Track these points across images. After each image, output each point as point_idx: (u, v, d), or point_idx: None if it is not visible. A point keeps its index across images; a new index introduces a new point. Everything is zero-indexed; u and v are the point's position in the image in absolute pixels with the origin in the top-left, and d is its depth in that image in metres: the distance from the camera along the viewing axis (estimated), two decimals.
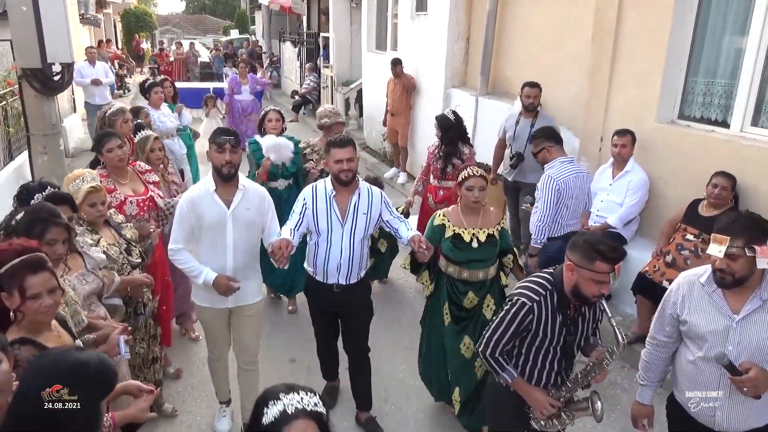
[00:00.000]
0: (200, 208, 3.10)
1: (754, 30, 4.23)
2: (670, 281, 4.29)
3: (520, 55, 6.60)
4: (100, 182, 3.21)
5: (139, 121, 5.19)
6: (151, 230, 3.61)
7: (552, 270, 2.53)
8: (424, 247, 3.09)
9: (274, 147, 4.77)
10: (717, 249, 2.17)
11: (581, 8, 5.56)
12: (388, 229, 3.46)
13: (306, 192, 3.38)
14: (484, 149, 6.38)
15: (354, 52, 12.39)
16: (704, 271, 2.34)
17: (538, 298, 2.41)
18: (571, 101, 5.76)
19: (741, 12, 4.40)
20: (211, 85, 13.43)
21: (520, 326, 2.44)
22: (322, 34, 13.75)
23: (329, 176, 3.38)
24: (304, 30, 16.92)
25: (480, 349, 2.58)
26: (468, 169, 3.48)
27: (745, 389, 2.17)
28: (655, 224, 4.90)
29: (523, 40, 6.50)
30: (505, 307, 2.49)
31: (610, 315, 2.45)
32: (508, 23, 6.74)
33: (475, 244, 3.40)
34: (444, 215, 3.52)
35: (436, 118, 5.33)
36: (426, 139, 8.37)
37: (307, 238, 3.49)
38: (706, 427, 2.38)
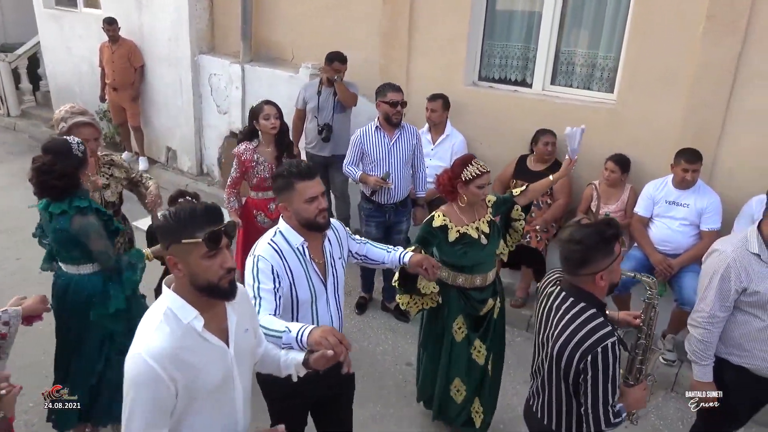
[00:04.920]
0: (190, 365, 1.66)
1: None
2: None
3: (292, 14, 5.99)
4: None
5: None
6: None
7: (571, 301, 2.11)
8: (434, 269, 2.70)
9: None
10: None
11: None
12: (355, 261, 2.72)
13: (267, 255, 2.22)
14: None
15: (8, 8, 9.62)
16: (742, 242, 2.51)
17: (609, 327, 2.01)
18: (362, 66, 5.52)
19: None
20: None
21: (616, 368, 2.03)
22: None
23: (279, 225, 2.33)
24: None
25: (603, 429, 2.07)
26: (472, 165, 2.97)
27: None
28: None
29: None
30: (599, 366, 1.96)
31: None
32: None
33: (484, 240, 3.08)
34: (444, 215, 3.08)
35: (264, 106, 4.07)
36: (169, 117, 7.14)
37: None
38: None
